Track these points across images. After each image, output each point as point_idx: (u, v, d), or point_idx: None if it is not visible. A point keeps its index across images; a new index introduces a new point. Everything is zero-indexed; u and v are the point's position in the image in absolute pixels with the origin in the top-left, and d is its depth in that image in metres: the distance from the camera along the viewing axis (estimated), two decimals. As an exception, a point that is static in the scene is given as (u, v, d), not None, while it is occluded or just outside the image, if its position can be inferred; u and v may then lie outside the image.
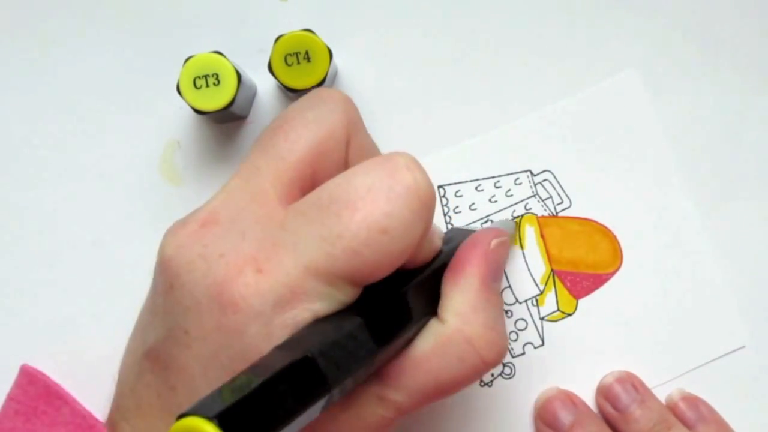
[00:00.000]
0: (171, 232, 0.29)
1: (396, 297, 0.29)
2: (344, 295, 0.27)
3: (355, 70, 0.40)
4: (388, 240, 0.27)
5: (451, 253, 0.32)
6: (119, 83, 0.40)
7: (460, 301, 0.30)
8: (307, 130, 0.29)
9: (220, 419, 0.22)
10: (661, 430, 0.36)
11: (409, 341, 0.30)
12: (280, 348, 0.26)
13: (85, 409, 0.33)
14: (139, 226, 0.39)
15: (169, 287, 0.28)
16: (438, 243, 0.32)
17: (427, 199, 0.28)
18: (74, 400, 0.34)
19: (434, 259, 0.31)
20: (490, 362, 0.30)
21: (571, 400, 0.38)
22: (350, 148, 0.30)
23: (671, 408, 0.38)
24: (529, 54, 0.39)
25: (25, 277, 0.39)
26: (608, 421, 0.38)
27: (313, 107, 0.30)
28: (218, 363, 0.27)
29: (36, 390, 0.34)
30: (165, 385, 0.28)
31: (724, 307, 0.39)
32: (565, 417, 0.37)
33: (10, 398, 0.35)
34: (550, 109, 0.39)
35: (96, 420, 0.33)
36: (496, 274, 0.31)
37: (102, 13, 0.40)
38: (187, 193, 0.39)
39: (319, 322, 0.27)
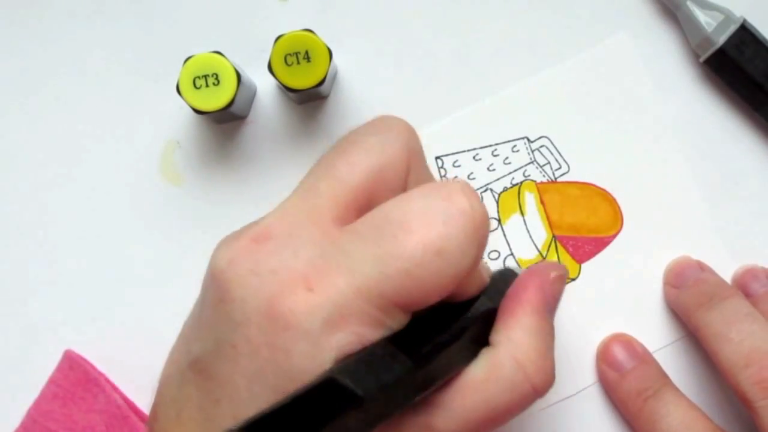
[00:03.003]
0: (224, 245, 0.29)
1: (440, 323, 0.29)
2: (394, 322, 0.27)
3: (355, 70, 0.40)
4: (443, 262, 0.27)
5: (501, 295, 0.32)
6: (119, 83, 0.40)
7: (514, 325, 0.30)
8: (369, 155, 0.29)
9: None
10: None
11: (460, 372, 0.29)
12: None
13: (120, 399, 0.34)
14: (140, 225, 0.39)
15: (218, 301, 0.28)
16: (486, 278, 0.32)
17: (481, 224, 0.28)
18: (111, 388, 0.34)
19: (483, 297, 0.31)
20: (539, 389, 0.29)
21: (631, 344, 0.38)
22: (409, 178, 0.30)
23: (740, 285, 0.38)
24: (520, 21, 0.40)
25: (25, 277, 0.39)
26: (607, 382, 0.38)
27: (378, 133, 0.30)
28: (264, 379, 0.27)
29: (75, 375, 0.34)
30: (208, 398, 0.28)
31: (724, 265, 0.39)
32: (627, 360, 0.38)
33: (51, 381, 0.35)
34: (544, 75, 0.39)
35: (130, 411, 0.33)
36: (552, 305, 0.31)
37: (102, 13, 0.40)
38: (187, 193, 0.39)
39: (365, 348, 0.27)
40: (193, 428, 0.29)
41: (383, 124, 0.31)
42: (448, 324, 0.29)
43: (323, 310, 0.26)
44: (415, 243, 0.27)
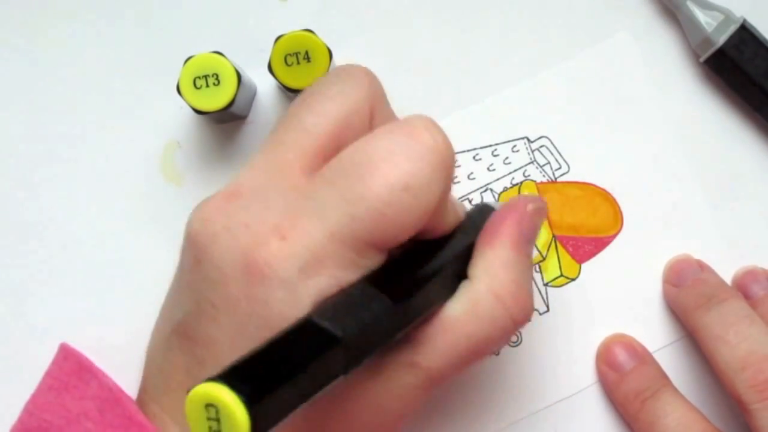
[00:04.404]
0: (197, 208, 0.29)
1: (417, 261, 0.29)
2: (369, 262, 0.28)
3: (355, 70, 0.40)
4: (411, 198, 0.27)
5: (478, 230, 0.31)
6: (119, 83, 0.40)
7: (491, 258, 0.30)
8: (332, 103, 0.30)
9: (224, 378, 0.22)
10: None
11: (440, 307, 0.29)
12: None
13: (112, 383, 0.34)
14: (140, 226, 0.39)
15: (195, 261, 0.28)
16: (460, 213, 0.32)
17: (446, 157, 0.28)
18: (103, 374, 0.34)
19: (460, 233, 0.31)
20: (518, 320, 0.29)
21: (632, 345, 0.38)
22: (374, 121, 0.30)
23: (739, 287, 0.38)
24: (520, 21, 0.40)
25: (25, 278, 0.40)
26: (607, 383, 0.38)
27: (338, 82, 0.30)
28: (246, 333, 0.27)
29: (69, 365, 0.35)
30: (193, 360, 0.29)
31: (724, 266, 0.39)
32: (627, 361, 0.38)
33: (47, 374, 0.35)
34: (544, 75, 0.39)
35: (122, 393, 0.33)
36: (529, 238, 0.31)
37: (102, 13, 0.40)
38: (187, 193, 0.39)
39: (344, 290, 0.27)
40: (182, 394, 0.29)
41: (345, 72, 0.31)
42: (425, 261, 0.29)
43: (298, 258, 0.27)
44: (381, 181, 0.27)
